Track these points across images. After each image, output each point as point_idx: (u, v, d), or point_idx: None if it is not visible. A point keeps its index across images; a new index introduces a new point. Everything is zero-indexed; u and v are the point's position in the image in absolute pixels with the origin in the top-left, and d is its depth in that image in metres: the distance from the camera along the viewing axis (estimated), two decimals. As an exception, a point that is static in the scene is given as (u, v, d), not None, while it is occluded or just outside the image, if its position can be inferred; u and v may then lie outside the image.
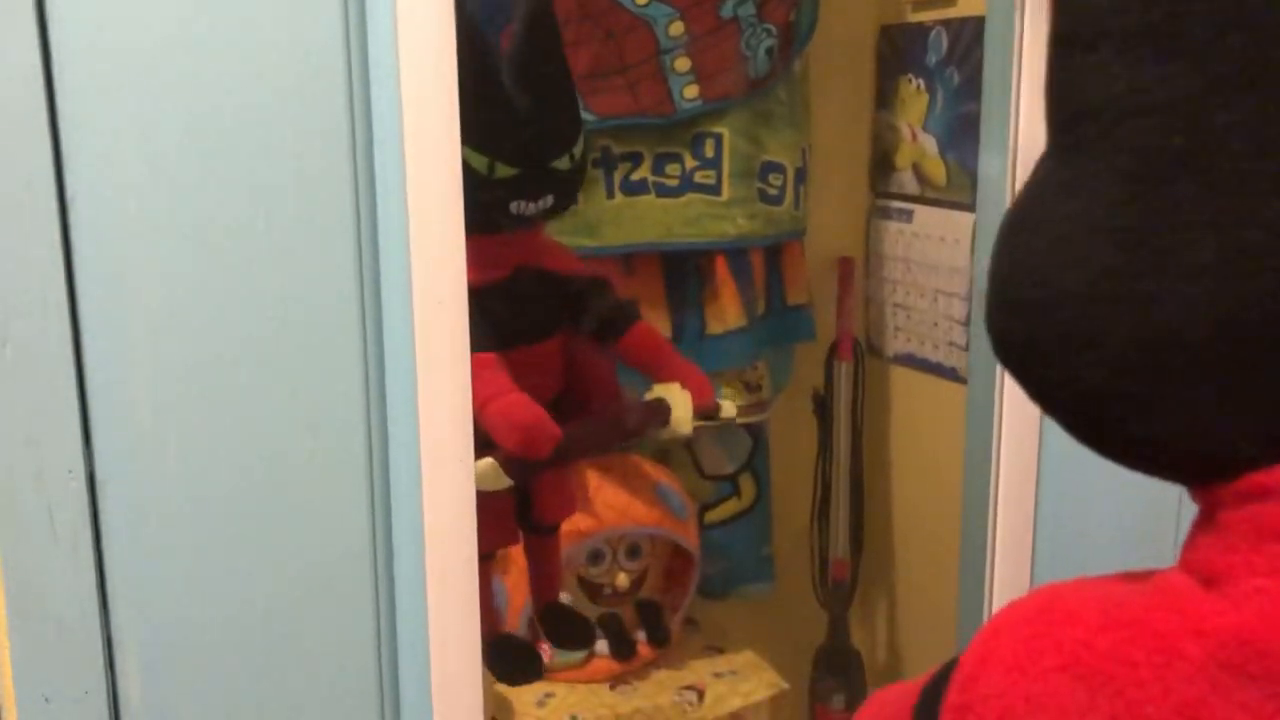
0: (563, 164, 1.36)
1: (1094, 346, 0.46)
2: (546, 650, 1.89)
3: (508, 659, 1.62)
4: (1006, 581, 1.25)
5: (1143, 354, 0.45)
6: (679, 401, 1.36)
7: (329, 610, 0.80)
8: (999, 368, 1.32)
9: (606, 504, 1.86)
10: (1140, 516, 1.23)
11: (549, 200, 1.35)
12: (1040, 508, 1.24)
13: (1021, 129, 1.20)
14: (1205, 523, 0.48)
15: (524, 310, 1.41)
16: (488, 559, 1.70)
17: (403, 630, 0.81)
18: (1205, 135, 0.44)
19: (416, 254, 0.80)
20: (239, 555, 0.77)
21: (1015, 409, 1.22)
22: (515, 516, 1.60)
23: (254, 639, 0.78)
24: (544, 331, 1.44)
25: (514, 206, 1.33)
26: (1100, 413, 0.48)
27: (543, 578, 1.65)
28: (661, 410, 1.36)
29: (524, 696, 1.85)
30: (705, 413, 1.40)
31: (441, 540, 0.83)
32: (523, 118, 1.34)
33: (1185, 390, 0.45)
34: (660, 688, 1.90)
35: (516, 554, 1.87)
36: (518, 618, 1.83)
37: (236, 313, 0.76)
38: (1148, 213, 0.45)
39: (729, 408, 1.45)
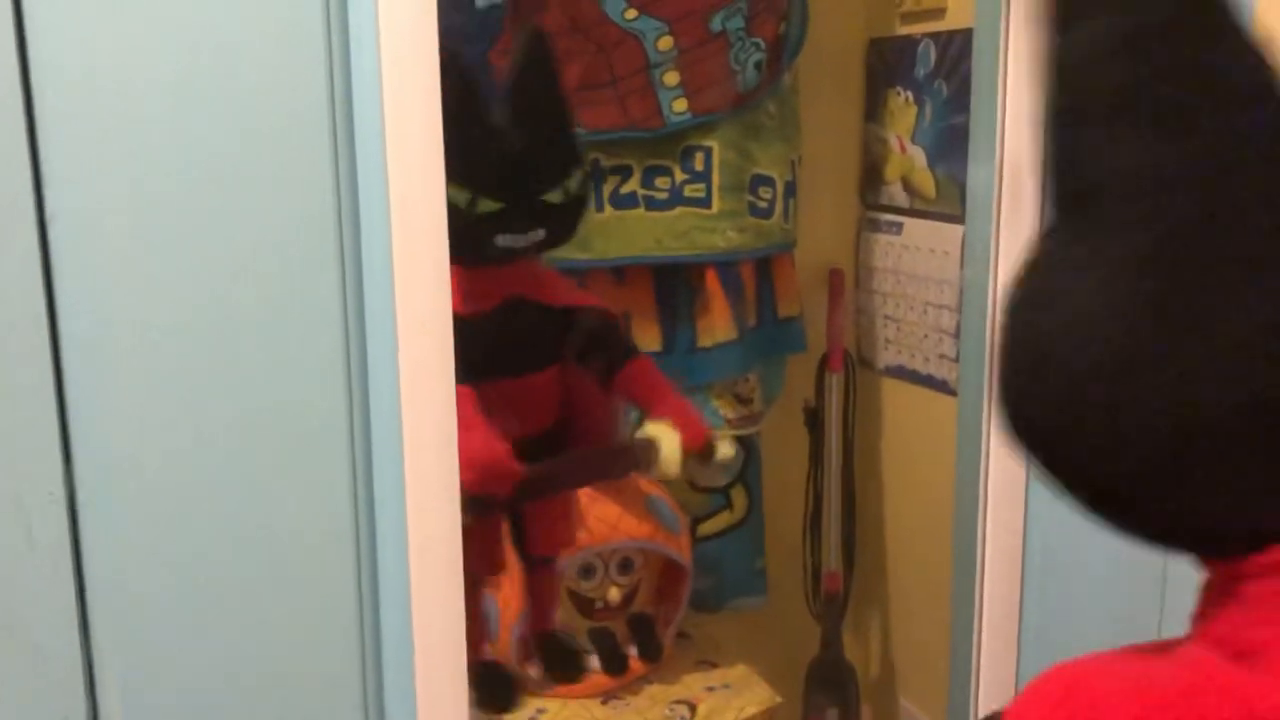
0: (554, 197, 1.33)
1: (1119, 427, 0.45)
2: (538, 664, 1.89)
3: (486, 687, 1.61)
4: (996, 592, 1.25)
5: (1172, 433, 0.44)
6: (668, 442, 1.33)
7: (314, 634, 0.79)
8: (987, 379, 1.32)
9: (598, 518, 1.85)
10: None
11: (539, 233, 1.33)
12: (1030, 517, 1.24)
13: (1008, 141, 1.20)
14: (1224, 595, 0.47)
15: (514, 342, 1.39)
16: (477, 583, 1.69)
17: (388, 656, 0.81)
18: (1228, 211, 0.43)
19: (400, 279, 0.80)
20: (222, 578, 0.76)
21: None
22: (508, 545, 1.59)
23: (238, 662, 0.77)
24: (537, 364, 1.42)
25: (500, 240, 1.31)
26: (1124, 492, 0.47)
27: (538, 607, 1.64)
28: (648, 450, 1.34)
29: (516, 713, 1.84)
30: (697, 452, 1.38)
31: (426, 562, 0.82)
32: (507, 151, 1.32)
33: (1214, 468, 0.44)
34: (653, 702, 1.88)
35: (509, 569, 1.87)
36: (509, 634, 1.83)
37: (219, 334, 0.75)
38: (1172, 290, 0.43)
39: (725, 449, 1.42)
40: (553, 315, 1.41)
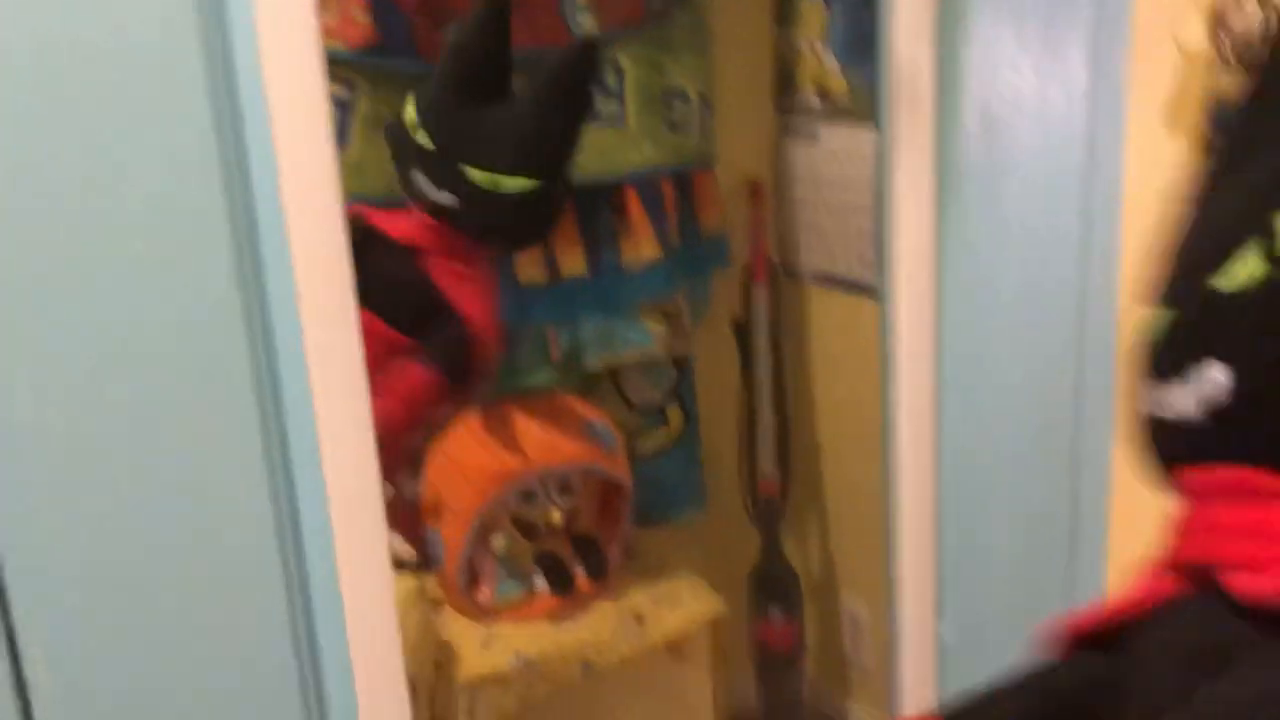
0: (478, 176, 1.30)
1: None
2: (486, 591, 1.91)
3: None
4: (914, 485, 1.29)
5: None
6: None
7: (239, 585, 0.79)
8: (903, 278, 1.34)
9: (535, 443, 1.86)
10: (1033, 424, 1.26)
11: (452, 200, 1.31)
12: (943, 417, 1.27)
13: (901, 43, 1.20)
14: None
15: (386, 286, 1.39)
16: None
17: (317, 599, 0.81)
18: None
19: (300, 265, 0.78)
20: (135, 526, 0.76)
21: (913, 320, 1.24)
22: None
23: (159, 611, 0.77)
24: (401, 327, 1.42)
25: (414, 176, 1.31)
26: None
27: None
28: None
29: (468, 638, 1.87)
30: None
31: (347, 506, 0.82)
32: (473, 111, 1.30)
33: None
34: (602, 618, 1.92)
35: (451, 499, 1.88)
36: (455, 564, 1.84)
37: (106, 295, 0.74)
38: None
39: None
40: (434, 301, 1.40)
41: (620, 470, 1.95)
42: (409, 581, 1.83)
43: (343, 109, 1.62)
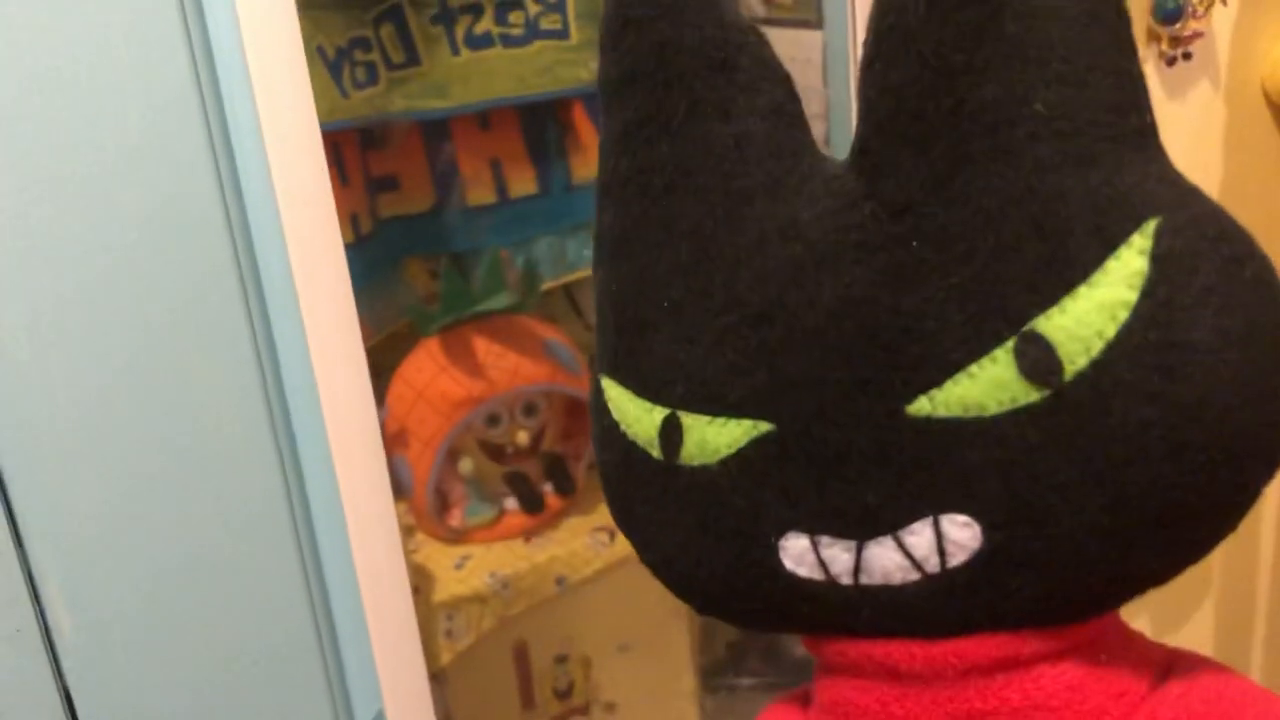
0: None
1: None
2: (457, 514, 1.92)
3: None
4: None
5: None
6: None
7: (248, 519, 0.79)
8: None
9: (496, 367, 1.86)
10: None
11: None
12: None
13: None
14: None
15: None
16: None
17: (319, 523, 0.82)
18: None
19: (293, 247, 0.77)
20: (144, 469, 0.75)
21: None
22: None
23: (177, 551, 0.77)
24: None
25: None
26: None
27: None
28: None
29: (442, 562, 1.89)
30: None
31: (340, 412, 0.82)
32: None
33: None
34: (573, 534, 1.95)
35: (416, 427, 1.87)
36: (424, 490, 1.85)
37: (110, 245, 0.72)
38: None
39: None
40: None
41: (583, 388, 1.96)
42: (380, 510, 1.83)
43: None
